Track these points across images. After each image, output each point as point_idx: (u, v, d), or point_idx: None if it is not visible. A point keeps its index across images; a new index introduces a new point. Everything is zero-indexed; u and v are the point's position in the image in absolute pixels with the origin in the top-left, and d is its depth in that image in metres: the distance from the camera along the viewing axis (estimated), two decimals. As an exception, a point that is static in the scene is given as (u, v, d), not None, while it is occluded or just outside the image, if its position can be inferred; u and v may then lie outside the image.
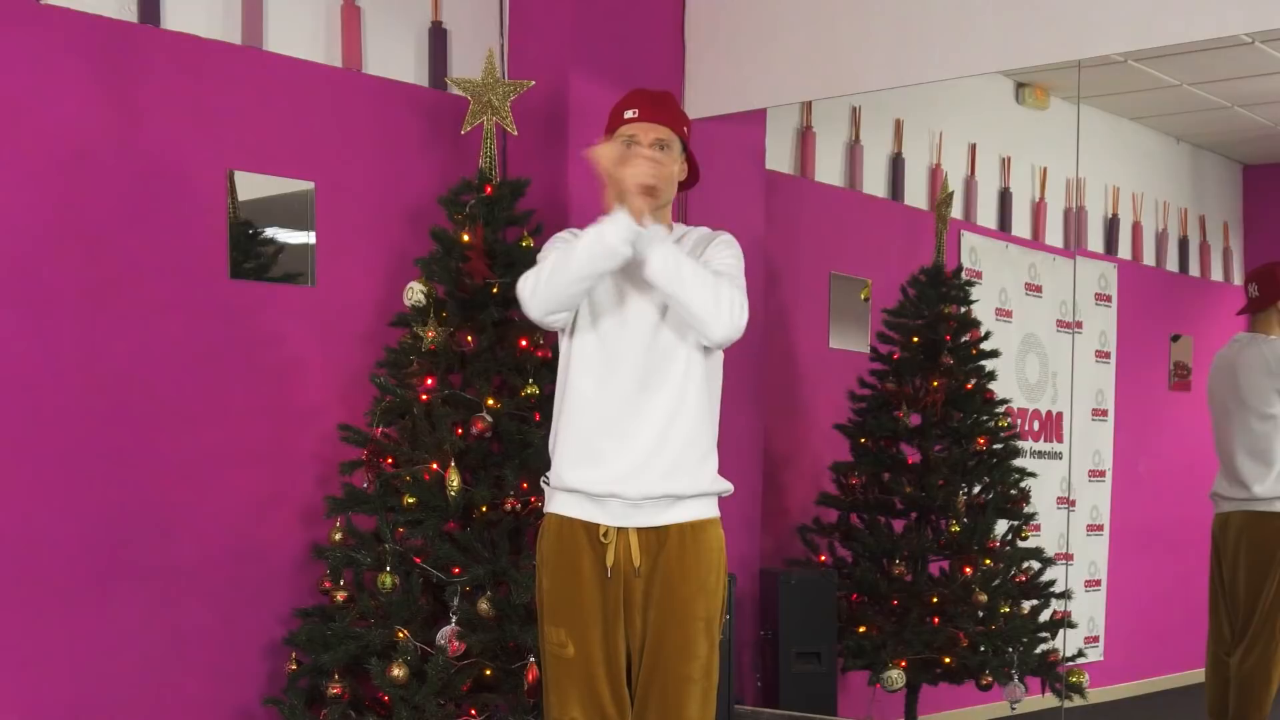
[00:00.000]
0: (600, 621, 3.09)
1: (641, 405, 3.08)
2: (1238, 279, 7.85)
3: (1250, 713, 5.16)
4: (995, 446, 5.55)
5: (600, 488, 3.07)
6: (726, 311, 2.98)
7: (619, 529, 3.09)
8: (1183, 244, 7.78)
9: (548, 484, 3.20)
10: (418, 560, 4.09)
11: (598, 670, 3.09)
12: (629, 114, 3.17)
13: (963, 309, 5.64)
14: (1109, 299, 7.43)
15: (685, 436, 3.10)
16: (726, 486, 3.20)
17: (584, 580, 3.09)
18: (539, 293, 3.03)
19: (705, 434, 3.16)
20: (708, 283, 2.97)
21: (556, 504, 3.16)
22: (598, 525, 3.09)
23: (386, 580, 4.06)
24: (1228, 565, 5.27)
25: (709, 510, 3.16)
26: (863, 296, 6.35)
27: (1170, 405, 7.52)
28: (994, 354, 5.66)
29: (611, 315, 3.11)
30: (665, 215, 3.21)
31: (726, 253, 3.15)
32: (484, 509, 4.11)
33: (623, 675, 3.13)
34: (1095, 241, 7.43)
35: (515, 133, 4.44)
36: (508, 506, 4.15)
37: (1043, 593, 5.57)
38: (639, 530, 3.08)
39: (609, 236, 2.90)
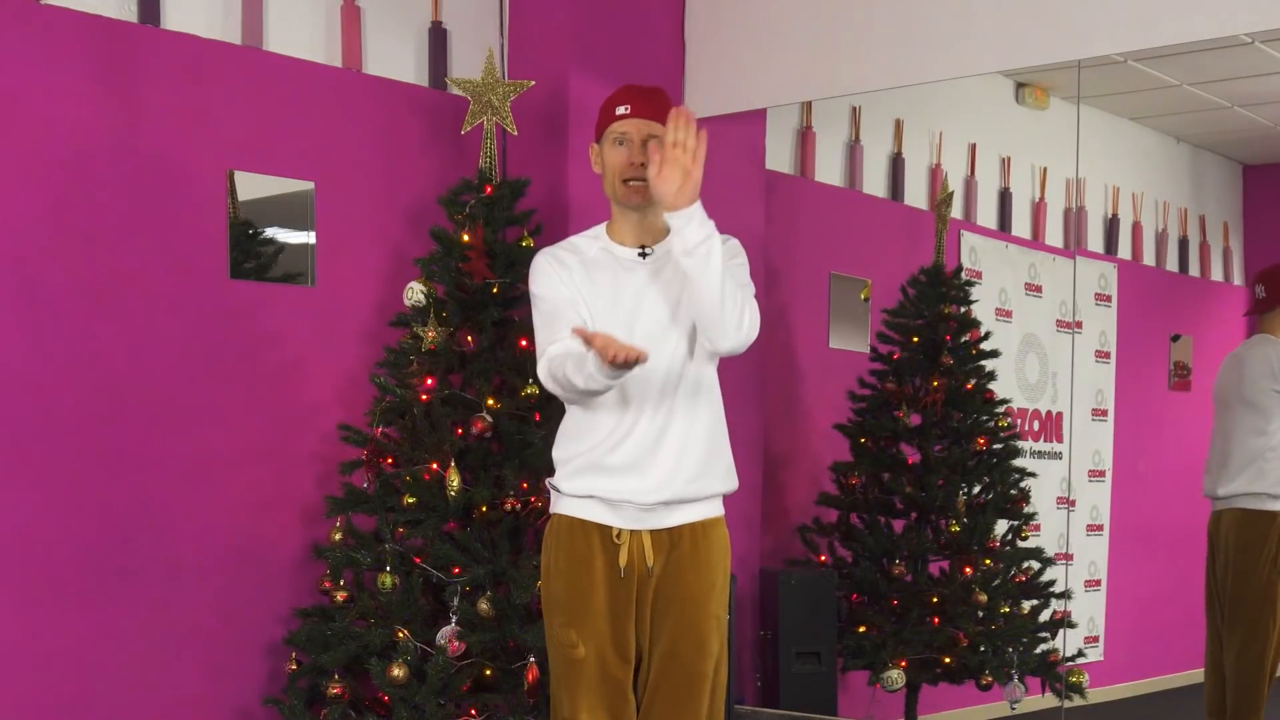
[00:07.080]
0: (611, 622, 3.07)
1: (661, 426, 3.05)
2: (1238, 279, 7.85)
3: (1246, 710, 5.17)
4: (995, 446, 5.56)
5: (614, 495, 3.06)
6: (746, 321, 2.95)
7: (632, 531, 3.07)
8: (1183, 244, 7.78)
9: (556, 489, 3.16)
10: (418, 560, 4.09)
11: (608, 670, 3.07)
12: (620, 110, 3.09)
13: (963, 309, 5.64)
14: (1109, 299, 7.42)
15: (703, 450, 3.09)
16: (734, 485, 3.17)
17: (595, 581, 3.07)
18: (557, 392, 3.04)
19: (719, 439, 3.15)
20: (730, 285, 2.91)
21: (566, 505, 3.13)
22: (610, 527, 3.07)
23: (386, 580, 4.06)
24: (1220, 562, 5.28)
25: (715, 509, 3.16)
26: (863, 296, 6.35)
27: (1170, 405, 7.51)
28: (994, 354, 5.66)
29: (628, 333, 3.03)
30: (662, 213, 3.14)
31: (739, 260, 3.08)
32: (484, 509, 4.11)
33: (630, 675, 3.11)
34: (1095, 241, 7.43)
35: (515, 133, 4.44)
36: (508, 506, 4.15)
37: (1043, 593, 5.57)
38: (651, 531, 3.07)
39: (594, 380, 2.86)
